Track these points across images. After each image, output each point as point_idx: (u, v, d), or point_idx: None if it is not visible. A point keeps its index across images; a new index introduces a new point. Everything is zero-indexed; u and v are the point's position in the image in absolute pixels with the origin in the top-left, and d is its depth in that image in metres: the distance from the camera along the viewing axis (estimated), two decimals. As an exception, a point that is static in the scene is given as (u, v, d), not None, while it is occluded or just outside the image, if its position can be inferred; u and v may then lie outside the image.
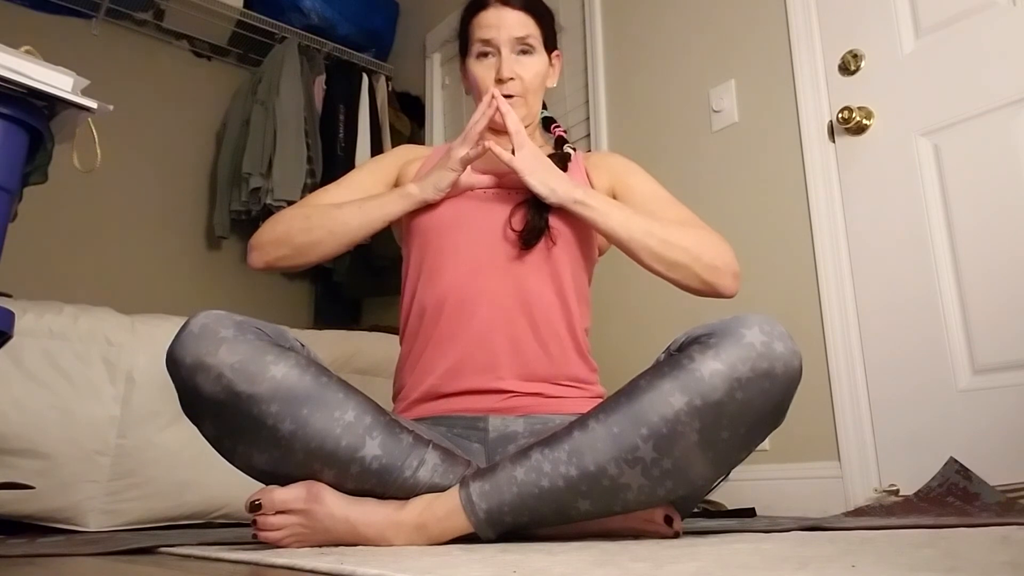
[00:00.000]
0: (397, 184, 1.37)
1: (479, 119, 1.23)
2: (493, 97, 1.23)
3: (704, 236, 1.23)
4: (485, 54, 1.32)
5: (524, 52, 1.32)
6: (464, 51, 1.38)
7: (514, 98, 1.31)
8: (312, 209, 1.28)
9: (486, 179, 1.27)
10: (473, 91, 1.37)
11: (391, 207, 1.25)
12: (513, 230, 1.23)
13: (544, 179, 1.20)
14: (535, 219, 1.22)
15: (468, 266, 1.22)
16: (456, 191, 1.26)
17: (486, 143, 1.21)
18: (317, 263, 1.30)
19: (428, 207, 1.26)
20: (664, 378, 0.94)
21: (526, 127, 1.36)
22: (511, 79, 1.30)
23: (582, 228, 1.26)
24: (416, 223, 1.27)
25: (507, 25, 1.31)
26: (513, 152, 1.22)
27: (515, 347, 1.19)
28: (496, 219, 1.25)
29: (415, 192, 1.25)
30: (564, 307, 1.24)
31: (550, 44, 1.37)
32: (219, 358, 0.96)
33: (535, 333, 1.21)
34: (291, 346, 1.04)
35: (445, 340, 1.21)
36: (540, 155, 1.23)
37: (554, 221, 1.24)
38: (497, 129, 1.31)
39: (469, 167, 1.26)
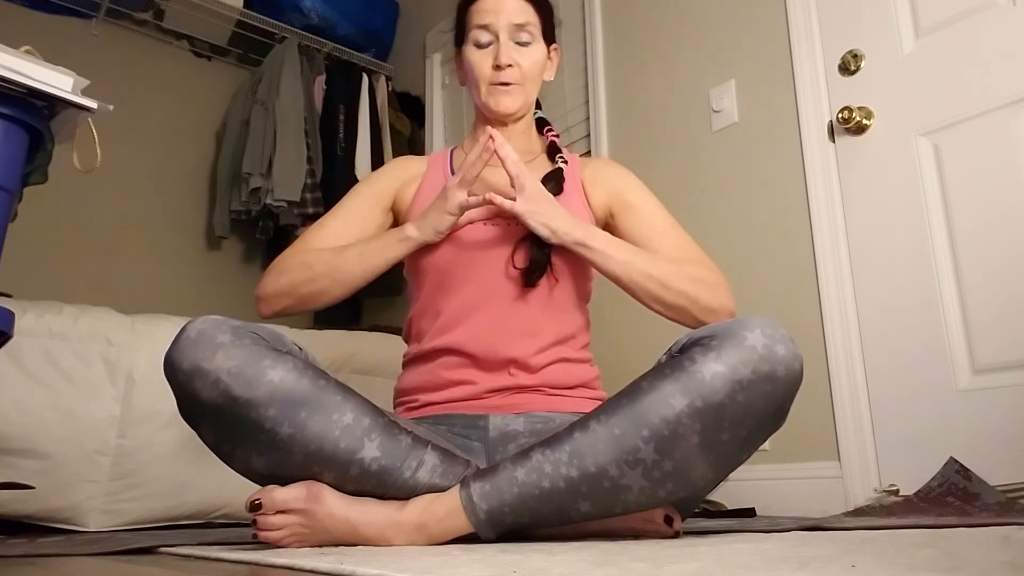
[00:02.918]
0: (394, 208, 1.36)
1: (475, 161, 1.18)
2: (491, 139, 1.18)
3: (703, 276, 1.22)
4: (482, 41, 1.30)
5: (523, 41, 1.30)
6: (460, 40, 1.36)
7: (511, 86, 1.30)
8: (313, 256, 1.25)
9: (484, 211, 1.24)
10: (469, 81, 1.35)
11: (392, 252, 1.24)
12: (516, 268, 1.22)
13: (545, 221, 1.18)
14: (537, 256, 1.22)
15: (472, 305, 1.22)
16: (455, 228, 1.24)
17: (487, 195, 1.18)
18: (324, 308, 1.30)
19: (429, 246, 1.24)
20: (665, 380, 0.94)
21: (521, 117, 1.36)
22: (509, 66, 1.29)
23: (582, 260, 1.25)
24: (420, 263, 1.26)
25: (506, 11, 1.30)
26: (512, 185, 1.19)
27: (518, 378, 1.21)
28: (499, 257, 1.24)
29: (415, 235, 1.22)
30: (567, 338, 1.25)
31: (548, 36, 1.36)
32: (216, 363, 0.96)
33: (538, 365, 1.21)
34: (288, 350, 1.03)
35: (450, 368, 1.22)
36: (540, 194, 1.19)
37: (555, 258, 1.23)
38: (492, 117, 1.32)
39: (469, 216, 1.24)
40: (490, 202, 1.18)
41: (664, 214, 1.31)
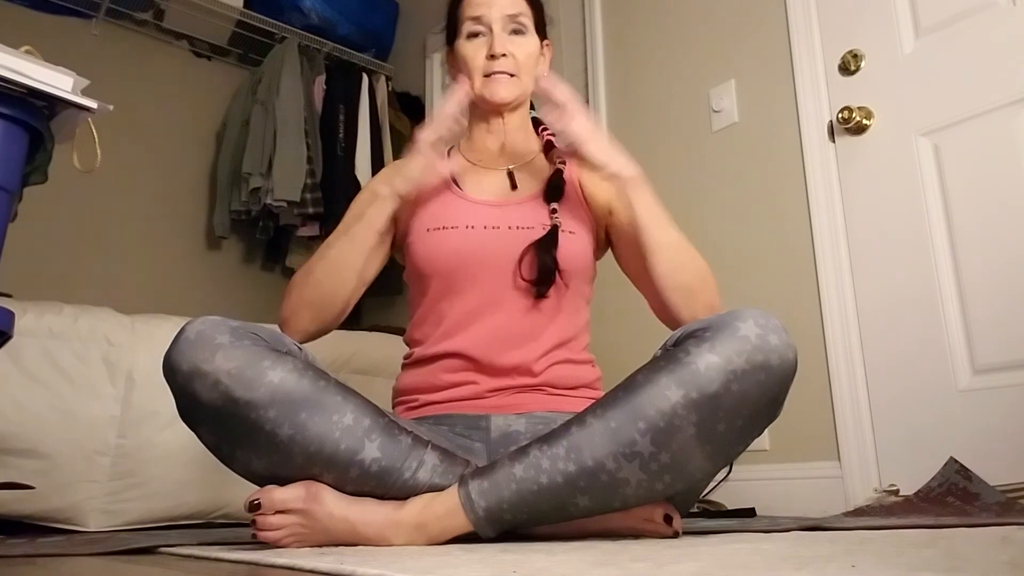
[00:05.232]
0: (395, 215, 1.34)
1: (450, 101, 1.19)
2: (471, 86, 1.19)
3: (704, 273, 1.21)
4: (475, 34, 1.30)
5: (516, 32, 1.30)
6: (452, 36, 1.35)
7: (506, 76, 1.29)
8: (312, 263, 1.26)
9: (458, 166, 1.22)
10: (463, 75, 1.33)
11: (373, 219, 1.22)
12: (524, 279, 1.21)
13: (602, 147, 1.17)
14: (545, 262, 1.20)
15: (476, 311, 1.21)
16: (431, 180, 1.22)
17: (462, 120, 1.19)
18: (346, 309, 1.26)
19: (430, 252, 1.23)
20: (660, 372, 0.94)
21: (517, 108, 1.35)
22: (503, 55, 1.28)
23: (586, 264, 1.25)
24: (422, 268, 1.25)
25: (499, 3, 1.30)
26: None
27: (520, 382, 1.20)
28: (503, 263, 1.22)
29: (386, 192, 1.21)
30: (568, 340, 1.25)
31: (541, 30, 1.36)
32: (216, 364, 0.95)
33: (540, 369, 1.21)
34: (288, 350, 1.03)
35: (450, 370, 1.22)
36: (596, 127, 1.18)
37: (562, 263, 1.21)
38: (487, 109, 1.31)
39: (447, 166, 1.23)
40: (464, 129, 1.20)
41: (660, 208, 1.31)
